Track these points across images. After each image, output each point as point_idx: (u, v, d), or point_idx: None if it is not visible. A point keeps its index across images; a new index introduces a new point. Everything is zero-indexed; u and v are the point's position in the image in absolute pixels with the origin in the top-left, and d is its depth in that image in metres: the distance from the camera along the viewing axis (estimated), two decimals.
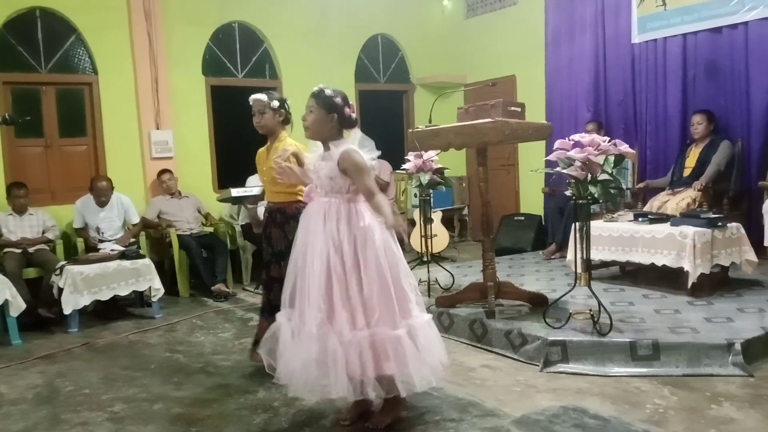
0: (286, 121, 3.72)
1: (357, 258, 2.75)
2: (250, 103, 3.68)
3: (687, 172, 5.72)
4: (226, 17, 7.18)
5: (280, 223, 3.65)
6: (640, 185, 6.18)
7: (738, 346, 3.43)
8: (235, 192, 5.03)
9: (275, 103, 3.63)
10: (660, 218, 4.85)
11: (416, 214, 6.30)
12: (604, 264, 5.18)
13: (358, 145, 2.85)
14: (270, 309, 3.45)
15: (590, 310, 3.79)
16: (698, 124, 5.70)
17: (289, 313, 2.86)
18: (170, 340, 4.72)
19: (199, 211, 6.58)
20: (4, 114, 4.90)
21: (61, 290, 4.98)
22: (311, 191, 2.92)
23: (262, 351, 2.97)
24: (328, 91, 2.88)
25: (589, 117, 6.94)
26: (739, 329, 3.70)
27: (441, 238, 7.15)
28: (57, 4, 6.19)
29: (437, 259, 6.03)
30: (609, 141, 3.65)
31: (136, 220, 6.10)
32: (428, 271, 5.03)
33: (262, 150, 3.83)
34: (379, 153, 2.93)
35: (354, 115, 2.93)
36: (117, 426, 3.15)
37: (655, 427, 2.84)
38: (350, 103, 2.94)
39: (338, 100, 2.87)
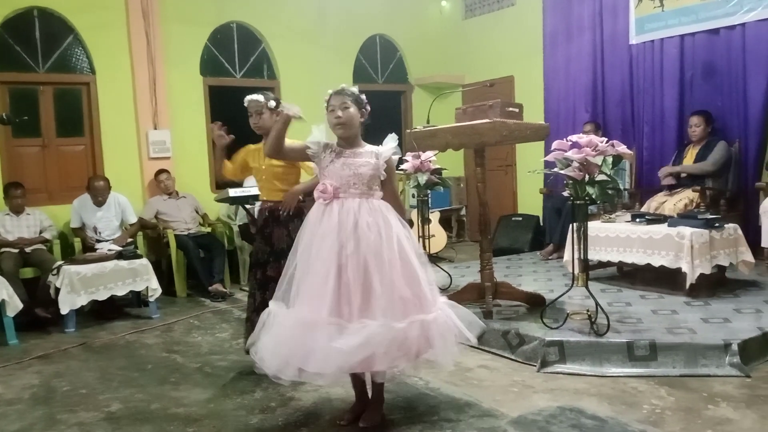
0: None
1: (392, 251, 2.74)
2: (245, 104, 3.66)
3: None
4: (224, 17, 7.18)
5: (284, 222, 3.65)
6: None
7: (735, 347, 3.44)
8: (233, 192, 5.04)
9: (272, 103, 3.60)
10: (657, 219, 4.85)
11: (414, 215, 6.29)
12: (602, 264, 5.18)
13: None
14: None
15: (587, 311, 3.79)
16: (696, 126, 5.70)
17: (297, 305, 2.78)
18: (167, 340, 4.71)
19: (197, 212, 6.58)
20: (1, 114, 4.90)
21: (58, 290, 4.97)
22: (331, 188, 2.84)
23: (253, 338, 2.89)
24: (354, 89, 2.91)
25: (587, 117, 6.95)
26: (736, 330, 3.70)
27: (439, 239, 7.15)
28: (55, 4, 6.18)
29: (435, 259, 6.03)
30: (607, 142, 3.65)
31: (133, 219, 6.09)
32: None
33: (253, 148, 3.79)
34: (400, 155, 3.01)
35: None
36: (114, 426, 3.14)
37: (652, 427, 2.84)
38: None
39: (363, 97, 2.93)
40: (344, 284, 2.70)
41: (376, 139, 2.99)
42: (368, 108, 2.94)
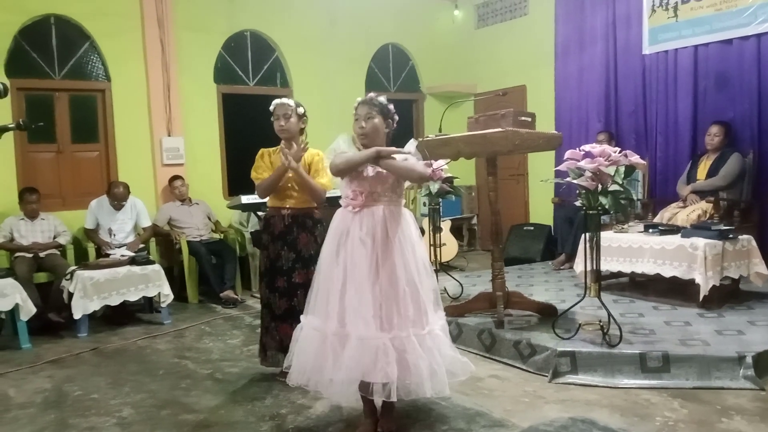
0: (302, 131, 3.70)
1: (404, 260, 2.76)
2: (272, 108, 3.64)
3: None
4: (238, 26, 7.23)
5: (309, 228, 3.65)
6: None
7: (749, 359, 3.41)
8: (245, 199, 5.06)
9: (301, 110, 3.66)
10: (670, 230, 4.83)
11: (425, 223, 6.29)
12: (614, 275, 5.15)
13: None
14: (294, 316, 3.40)
15: (600, 321, 3.77)
16: (715, 136, 5.64)
17: (328, 320, 2.79)
18: (179, 346, 4.73)
19: (209, 218, 6.61)
20: (17, 120, 4.95)
21: (71, 295, 5.00)
22: (361, 197, 2.83)
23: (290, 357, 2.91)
24: (381, 98, 2.89)
25: (600, 127, 6.94)
26: (750, 342, 3.67)
27: (450, 247, 7.14)
28: (71, 12, 6.25)
29: (446, 268, 6.02)
30: (620, 152, 3.64)
31: (147, 223, 6.13)
32: (437, 280, 5.01)
33: (272, 151, 3.73)
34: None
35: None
36: (125, 431, 3.16)
37: None
38: None
39: (391, 107, 2.91)
40: (378, 295, 2.71)
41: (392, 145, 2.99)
42: (395, 117, 2.93)
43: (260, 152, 3.75)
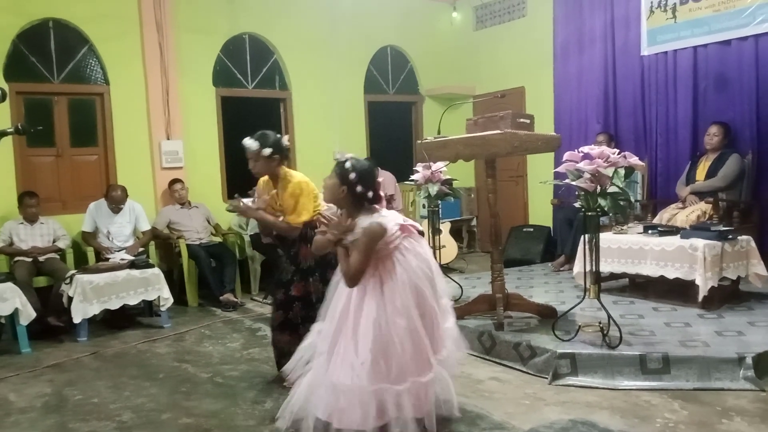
0: (283, 160, 3.61)
1: (374, 311, 2.71)
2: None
3: None
4: (236, 29, 7.23)
5: (311, 239, 3.63)
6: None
7: (749, 360, 3.41)
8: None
9: (266, 151, 3.48)
10: (670, 231, 4.83)
11: (425, 225, 6.29)
12: (614, 276, 5.15)
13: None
14: (291, 327, 3.50)
15: (600, 323, 3.77)
16: (714, 136, 5.65)
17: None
18: (179, 349, 4.73)
19: (209, 221, 6.60)
20: (16, 124, 4.95)
21: (70, 299, 5.00)
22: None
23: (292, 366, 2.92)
24: (348, 164, 2.78)
25: (599, 128, 6.95)
26: (750, 343, 3.67)
27: (449, 249, 7.14)
28: (70, 15, 6.25)
29: (446, 270, 6.01)
30: (618, 153, 3.65)
31: (146, 227, 6.13)
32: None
33: (267, 180, 3.70)
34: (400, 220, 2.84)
35: (372, 194, 2.79)
36: None
37: None
38: (373, 181, 2.81)
39: (353, 176, 2.75)
40: (344, 338, 2.74)
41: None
42: (355, 187, 2.75)
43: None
